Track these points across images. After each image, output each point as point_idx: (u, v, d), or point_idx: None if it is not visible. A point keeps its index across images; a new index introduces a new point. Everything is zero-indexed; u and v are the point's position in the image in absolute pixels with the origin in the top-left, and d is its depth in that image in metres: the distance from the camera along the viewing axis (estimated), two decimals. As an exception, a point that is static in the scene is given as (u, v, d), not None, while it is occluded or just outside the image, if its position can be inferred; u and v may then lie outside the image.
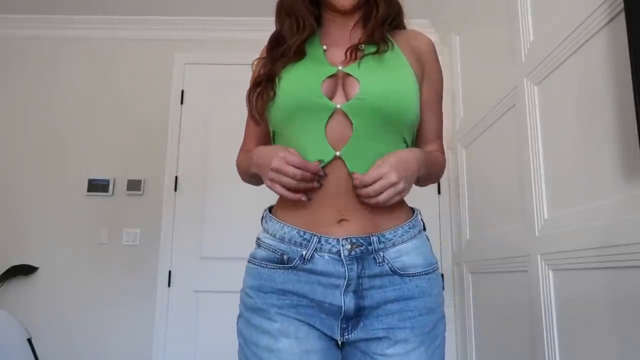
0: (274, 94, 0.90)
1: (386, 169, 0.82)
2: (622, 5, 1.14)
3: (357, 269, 0.83)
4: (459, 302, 2.47)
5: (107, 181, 2.76)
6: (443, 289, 2.56)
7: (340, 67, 0.89)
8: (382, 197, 0.82)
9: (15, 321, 1.50)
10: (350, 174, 0.85)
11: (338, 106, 0.86)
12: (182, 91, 2.88)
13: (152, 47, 2.95)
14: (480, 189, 2.24)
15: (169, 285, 2.66)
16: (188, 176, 2.77)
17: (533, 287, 1.58)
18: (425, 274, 0.87)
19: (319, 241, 0.84)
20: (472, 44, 2.37)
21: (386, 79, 0.88)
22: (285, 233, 0.86)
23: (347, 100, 0.86)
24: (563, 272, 1.44)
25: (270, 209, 0.95)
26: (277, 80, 0.91)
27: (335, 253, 0.83)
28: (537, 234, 1.58)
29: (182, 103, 2.87)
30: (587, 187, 1.33)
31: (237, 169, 1.05)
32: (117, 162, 2.80)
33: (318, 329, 0.86)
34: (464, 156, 2.45)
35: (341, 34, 0.98)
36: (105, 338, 2.60)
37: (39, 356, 1.49)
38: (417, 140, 1.00)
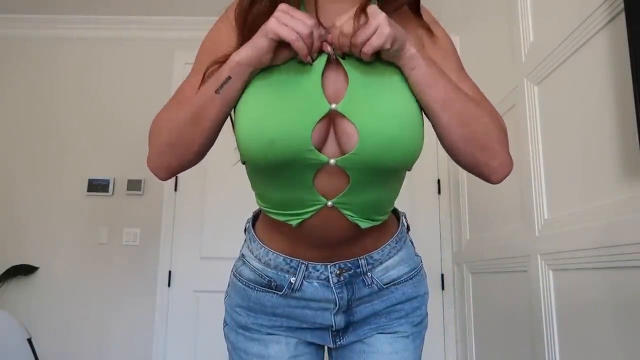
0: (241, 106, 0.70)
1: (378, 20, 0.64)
2: (622, 6, 1.14)
3: (347, 295, 0.81)
4: (459, 302, 2.47)
5: (107, 181, 2.76)
6: (443, 288, 2.57)
7: (334, 106, 0.68)
8: (366, 49, 0.65)
9: (15, 321, 1.50)
10: (347, 221, 0.74)
11: (332, 161, 0.69)
12: (182, 91, 2.88)
13: (152, 47, 2.95)
14: (480, 189, 2.24)
15: (169, 285, 2.66)
16: (188, 176, 2.76)
17: (533, 287, 1.58)
18: (410, 278, 0.85)
19: (307, 269, 0.80)
20: (472, 44, 2.37)
21: (386, 119, 0.68)
22: (270, 260, 0.81)
23: (342, 152, 0.69)
24: (563, 272, 1.44)
25: (254, 221, 0.88)
26: (245, 97, 0.70)
27: (324, 279, 0.80)
28: (537, 234, 1.58)
29: (182, 103, 2.87)
30: (587, 187, 1.33)
31: (157, 132, 0.78)
32: (117, 162, 2.80)
33: (308, 341, 0.86)
34: (464, 156, 2.45)
35: (330, 22, 0.71)
36: (105, 338, 2.60)
37: (39, 356, 1.49)
38: None
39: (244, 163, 0.77)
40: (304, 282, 0.80)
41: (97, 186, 2.76)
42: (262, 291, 0.82)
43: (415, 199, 2.62)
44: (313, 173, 0.70)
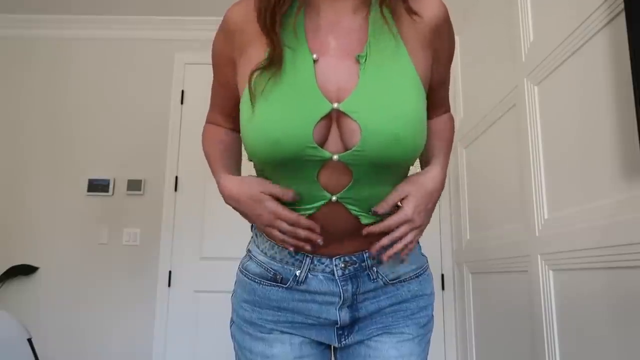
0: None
1: (409, 212, 0.75)
2: (622, 6, 1.14)
3: (352, 288, 0.81)
4: (459, 302, 2.47)
5: (107, 181, 2.76)
6: (443, 288, 2.57)
7: (335, 105, 0.70)
8: (395, 249, 0.76)
9: (15, 321, 1.50)
10: (350, 215, 0.76)
11: (335, 157, 0.71)
12: (182, 91, 2.88)
13: (152, 47, 2.95)
14: (480, 189, 2.24)
15: (169, 285, 2.66)
16: (188, 176, 2.77)
17: (533, 287, 1.58)
18: (416, 276, 0.86)
19: (312, 262, 0.81)
20: (472, 44, 2.37)
21: (391, 119, 0.70)
22: (276, 253, 0.82)
23: (345, 148, 0.71)
24: (563, 272, 1.44)
25: None
26: (245, 105, 0.74)
27: (329, 272, 0.81)
28: (537, 234, 1.58)
29: (182, 103, 2.87)
30: (587, 187, 1.33)
31: (203, 146, 0.93)
32: (117, 162, 2.80)
33: (313, 339, 0.85)
34: (464, 156, 2.45)
35: (333, 19, 0.76)
36: (105, 338, 2.60)
37: (39, 356, 1.49)
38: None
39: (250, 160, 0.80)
40: (309, 275, 0.81)
41: (97, 186, 2.76)
42: (268, 285, 0.83)
43: (415, 199, 2.61)
44: (317, 169, 0.73)
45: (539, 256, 1.55)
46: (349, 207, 0.76)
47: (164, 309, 2.63)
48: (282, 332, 0.83)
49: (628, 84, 1.14)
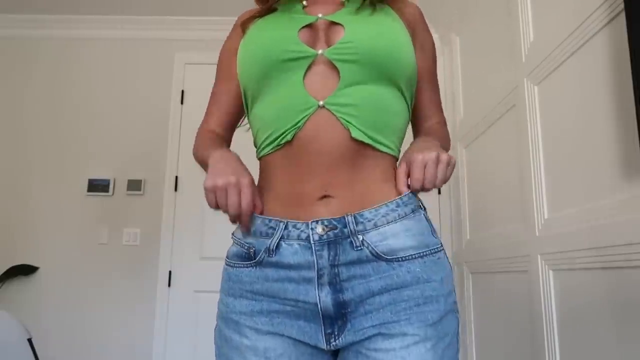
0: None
1: (426, 155, 0.73)
2: (622, 6, 1.14)
3: (329, 255, 0.70)
4: (459, 302, 2.46)
5: (107, 181, 2.76)
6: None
7: (320, 15, 0.80)
8: (439, 180, 0.72)
9: (15, 321, 1.50)
10: (340, 126, 0.73)
11: (320, 52, 0.75)
12: (182, 91, 2.88)
13: (152, 47, 2.95)
14: (480, 189, 2.24)
15: (169, 285, 2.66)
16: (188, 176, 2.77)
17: (533, 287, 1.58)
18: (419, 256, 0.71)
19: (286, 227, 0.72)
20: (472, 44, 2.37)
21: (375, 26, 0.77)
22: (250, 224, 0.75)
23: (330, 46, 0.76)
24: (563, 272, 1.44)
25: None
26: (243, 36, 0.84)
27: (305, 239, 0.71)
28: (537, 234, 1.58)
29: (182, 103, 2.87)
30: (587, 187, 1.33)
31: (193, 149, 0.89)
32: (117, 162, 2.80)
33: (298, 341, 0.73)
34: (464, 156, 2.45)
35: None
36: (105, 338, 2.60)
37: (39, 356, 1.49)
38: (416, 116, 0.89)
39: (246, 107, 0.85)
40: (283, 244, 0.72)
41: (97, 186, 2.76)
42: (241, 266, 0.75)
43: (415, 199, 2.61)
44: (303, 71, 0.74)
45: (539, 256, 1.55)
46: (339, 114, 0.72)
47: (164, 309, 2.63)
48: (257, 331, 0.72)
49: (628, 84, 1.14)
